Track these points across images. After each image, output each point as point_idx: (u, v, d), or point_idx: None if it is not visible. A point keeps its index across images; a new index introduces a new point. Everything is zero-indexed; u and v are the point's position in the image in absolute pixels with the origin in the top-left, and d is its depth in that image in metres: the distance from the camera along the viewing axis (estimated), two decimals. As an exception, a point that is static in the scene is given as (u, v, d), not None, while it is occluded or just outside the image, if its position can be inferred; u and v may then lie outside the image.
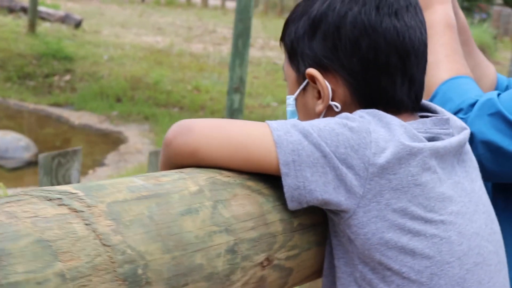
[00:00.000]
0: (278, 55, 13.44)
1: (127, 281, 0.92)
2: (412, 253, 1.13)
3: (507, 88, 1.74)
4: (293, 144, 1.11)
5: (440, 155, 1.17)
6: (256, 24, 17.03)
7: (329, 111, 1.25)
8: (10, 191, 4.65)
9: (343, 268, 1.17)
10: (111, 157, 7.94)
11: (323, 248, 1.23)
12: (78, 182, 2.97)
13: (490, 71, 1.77)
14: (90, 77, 10.70)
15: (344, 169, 1.10)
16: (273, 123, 1.15)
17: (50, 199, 0.93)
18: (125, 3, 19.26)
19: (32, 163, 7.46)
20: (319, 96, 1.26)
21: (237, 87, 6.23)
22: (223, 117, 9.10)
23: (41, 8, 14.29)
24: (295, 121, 1.16)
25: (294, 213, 1.17)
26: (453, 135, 1.23)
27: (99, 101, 9.68)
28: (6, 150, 7.72)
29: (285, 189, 1.12)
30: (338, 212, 1.14)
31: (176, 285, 0.99)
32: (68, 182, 2.95)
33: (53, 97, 10.09)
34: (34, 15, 12.75)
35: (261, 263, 1.13)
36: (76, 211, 0.93)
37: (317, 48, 1.24)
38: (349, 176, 1.11)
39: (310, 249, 1.21)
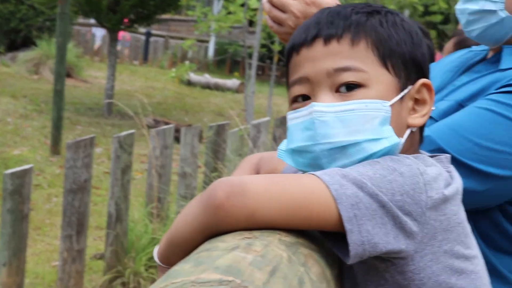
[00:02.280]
0: None
1: None
2: None
3: None
4: (351, 198, 1.04)
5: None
6: None
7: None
8: None
9: None
10: None
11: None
12: None
13: None
14: None
15: (403, 217, 1.06)
16: (323, 176, 1.06)
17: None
18: None
19: None
20: (413, 109, 1.23)
21: None
22: None
23: None
24: (341, 170, 1.09)
25: (331, 264, 1.11)
26: None
27: None
28: None
29: (351, 247, 1.04)
30: (389, 259, 1.10)
31: None
32: None
33: None
34: None
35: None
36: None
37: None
38: (408, 223, 1.07)
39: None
